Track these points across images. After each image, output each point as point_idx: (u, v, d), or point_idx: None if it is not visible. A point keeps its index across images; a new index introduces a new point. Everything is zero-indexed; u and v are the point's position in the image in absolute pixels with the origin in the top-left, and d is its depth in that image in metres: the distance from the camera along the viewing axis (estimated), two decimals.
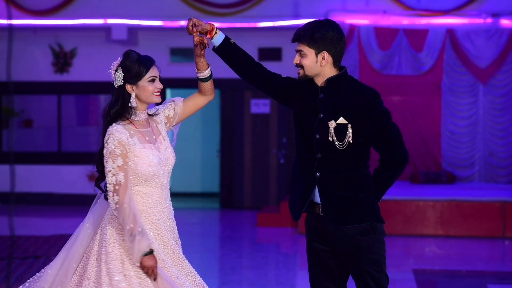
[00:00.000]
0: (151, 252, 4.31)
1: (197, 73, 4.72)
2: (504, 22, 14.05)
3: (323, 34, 4.48)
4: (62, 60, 15.63)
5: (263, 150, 15.44)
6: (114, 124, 4.46)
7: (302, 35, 4.52)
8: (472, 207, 11.95)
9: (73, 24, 15.04)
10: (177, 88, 15.68)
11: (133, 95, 4.52)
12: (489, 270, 9.83)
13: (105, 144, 4.40)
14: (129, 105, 4.53)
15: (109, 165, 4.36)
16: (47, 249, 10.05)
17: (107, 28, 15.08)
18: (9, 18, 15.88)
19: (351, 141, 4.46)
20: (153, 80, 4.53)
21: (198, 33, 4.64)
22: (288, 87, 4.68)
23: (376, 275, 4.51)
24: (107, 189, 4.37)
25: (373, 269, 4.51)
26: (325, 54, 4.50)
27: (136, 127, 4.50)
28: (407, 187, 13.36)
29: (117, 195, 4.32)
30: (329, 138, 4.47)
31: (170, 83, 15.33)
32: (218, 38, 4.69)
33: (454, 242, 11.63)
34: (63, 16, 15.08)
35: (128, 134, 4.43)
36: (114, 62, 4.67)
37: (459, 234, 11.92)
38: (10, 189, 15.53)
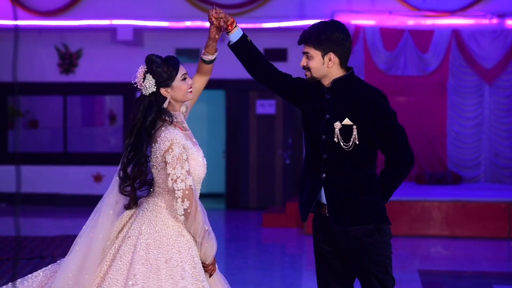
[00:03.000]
0: None
1: (203, 55, 4.67)
2: (510, 22, 14.03)
3: (328, 36, 4.46)
4: (68, 61, 15.66)
5: (269, 150, 15.44)
6: (168, 128, 4.37)
7: (308, 37, 4.49)
8: (477, 208, 11.94)
9: (79, 25, 15.07)
10: None
11: (168, 97, 4.42)
12: (494, 270, 9.82)
13: (169, 151, 4.29)
14: (163, 108, 4.44)
15: (178, 171, 4.26)
16: (53, 249, 10.07)
17: (112, 29, 15.10)
18: (15, 19, 15.91)
19: (357, 142, 4.45)
20: (185, 78, 4.46)
21: (220, 19, 4.60)
22: (297, 88, 4.67)
23: (381, 276, 4.50)
24: (176, 195, 4.27)
25: (378, 271, 4.50)
26: (332, 55, 4.48)
27: (182, 130, 4.45)
28: (412, 187, 13.35)
29: (187, 200, 4.25)
30: (335, 139, 4.47)
31: None
32: (236, 34, 4.66)
33: (460, 242, 11.62)
34: (69, 17, 15.11)
35: (185, 138, 4.38)
36: (138, 71, 4.46)
37: (464, 235, 11.91)
38: (16, 190, 15.54)
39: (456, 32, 14.10)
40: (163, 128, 4.35)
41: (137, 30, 15.06)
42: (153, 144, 4.35)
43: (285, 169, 15.36)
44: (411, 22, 14.29)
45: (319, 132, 4.53)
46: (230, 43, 4.69)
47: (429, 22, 14.30)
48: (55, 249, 10.12)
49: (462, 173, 14.16)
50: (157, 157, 4.33)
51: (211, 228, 4.39)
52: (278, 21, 14.60)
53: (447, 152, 14.26)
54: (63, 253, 9.65)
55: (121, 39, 14.91)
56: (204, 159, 4.43)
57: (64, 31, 15.45)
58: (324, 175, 4.52)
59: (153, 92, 4.41)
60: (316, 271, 4.72)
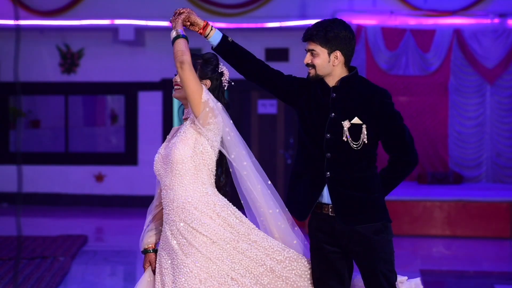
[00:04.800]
0: (145, 251, 4.48)
1: None
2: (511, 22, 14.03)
3: (336, 34, 4.43)
4: (69, 61, 15.66)
5: (270, 150, 15.44)
6: None
7: (315, 35, 4.45)
8: (479, 208, 11.93)
9: (80, 25, 15.07)
10: None
11: None
12: (496, 270, 9.82)
13: None
14: None
15: None
16: (54, 249, 10.06)
17: (114, 29, 15.10)
18: (17, 18, 15.91)
19: (366, 142, 4.45)
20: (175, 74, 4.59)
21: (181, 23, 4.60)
22: (292, 85, 4.63)
23: (388, 274, 4.50)
24: None
25: (386, 269, 4.49)
26: (338, 53, 4.45)
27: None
28: (414, 187, 13.34)
29: None
30: (344, 138, 4.44)
31: None
32: (216, 37, 4.61)
33: (461, 242, 11.61)
34: (70, 16, 15.11)
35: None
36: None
37: (466, 235, 11.90)
38: (18, 190, 15.54)
39: (457, 32, 14.09)
40: None
41: (139, 30, 15.06)
42: None
43: (287, 169, 15.36)
44: (412, 21, 14.29)
45: (321, 130, 4.50)
46: (212, 47, 4.64)
47: (430, 21, 14.30)
48: (57, 249, 10.11)
49: (463, 172, 14.15)
50: None
51: (151, 228, 4.52)
52: (280, 21, 14.60)
53: (448, 151, 14.25)
54: (65, 253, 9.68)
55: (123, 39, 14.91)
56: (156, 156, 4.46)
57: (65, 31, 15.45)
58: (328, 174, 4.49)
59: None
60: (313, 271, 4.60)
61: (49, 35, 15.51)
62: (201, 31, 4.62)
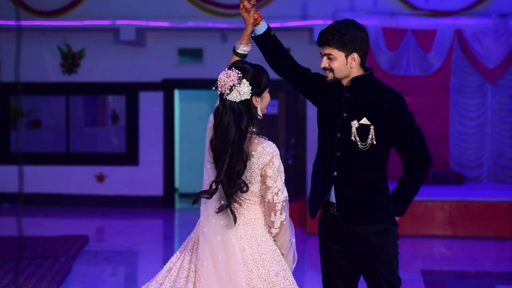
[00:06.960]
0: None
1: (240, 46, 4.59)
2: None
3: (352, 36, 4.44)
4: (70, 61, 15.66)
5: None
6: (260, 140, 4.18)
7: (331, 39, 4.46)
8: (480, 208, 11.93)
9: (81, 25, 15.08)
10: (185, 89, 15.68)
11: (258, 107, 4.18)
12: (497, 270, 9.81)
13: (270, 164, 4.14)
14: (255, 118, 4.18)
15: (279, 184, 4.11)
16: (55, 249, 10.07)
17: (115, 29, 15.11)
18: (18, 19, 15.91)
19: (374, 143, 4.44)
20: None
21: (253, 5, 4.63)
22: (317, 84, 4.68)
23: (388, 276, 4.50)
24: (276, 208, 4.13)
25: (385, 271, 4.50)
26: (355, 55, 4.47)
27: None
28: None
29: (284, 212, 4.15)
30: (352, 138, 4.45)
31: (178, 84, 15.36)
32: (262, 28, 4.70)
33: (462, 242, 11.61)
34: (71, 17, 15.11)
35: None
36: (230, 74, 4.12)
37: (467, 235, 11.90)
38: (19, 190, 15.54)
39: (459, 32, 14.09)
40: (255, 141, 4.17)
41: (140, 30, 15.06)
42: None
43: (288, 169, 15.32)
44: (413, 22, 14.29)
45: (334, 130, 4.52)
46: (255, 35, 4.72)
47: (431, 22, 14.30)
48: (58, 249, 10.12)
49: (464, 173, 14.15)
50: (253, 171, 4.15)
51: (294, 239, 4.38)
52: (281, 21, 14.58)
53: (449, 152, 14.25)
54: (66, 253, 9.68)
55: (124, 39, 14.91)
56: None
57: (66, 31, 15.45)
58: (335, 173, 4.51)
59: (246, 100, 4.13)
60: (322, 270, 4.71)
61: (50, 35, 15.52)
62: (257, 20, 4.69)
